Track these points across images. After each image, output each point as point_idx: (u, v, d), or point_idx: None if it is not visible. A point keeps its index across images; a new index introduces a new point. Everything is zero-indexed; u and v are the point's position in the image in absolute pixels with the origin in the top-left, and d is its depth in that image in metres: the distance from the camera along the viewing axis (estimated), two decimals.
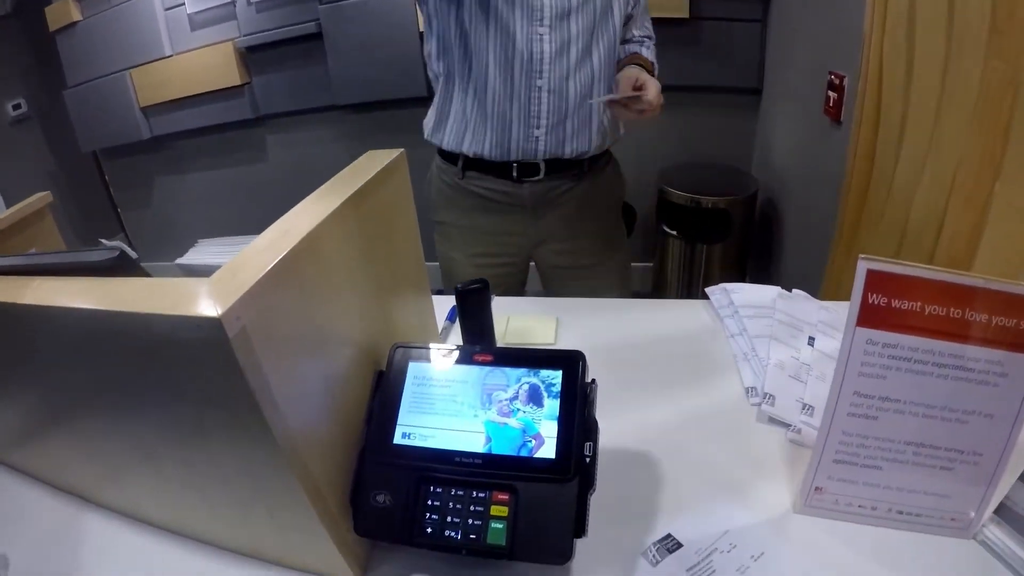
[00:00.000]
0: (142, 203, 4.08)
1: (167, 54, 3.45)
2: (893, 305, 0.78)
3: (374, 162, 0.98)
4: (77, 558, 0.99)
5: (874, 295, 0.78)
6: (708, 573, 0.87)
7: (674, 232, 3.11)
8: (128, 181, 4.05)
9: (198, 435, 0.78)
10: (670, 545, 0.91)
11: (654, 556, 0.89)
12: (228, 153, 3.76)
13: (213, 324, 0.61)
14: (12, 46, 3.65)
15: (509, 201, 1.73)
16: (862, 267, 0.77)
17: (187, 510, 0.95)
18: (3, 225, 1.12)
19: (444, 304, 1.39)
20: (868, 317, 0.79)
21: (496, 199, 1.73)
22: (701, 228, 3.02)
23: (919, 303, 0.77)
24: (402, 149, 1.02)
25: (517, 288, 1.90)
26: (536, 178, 1.68)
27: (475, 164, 1.70)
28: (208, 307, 0.61)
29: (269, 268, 0.68)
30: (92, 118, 3.71)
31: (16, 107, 3.67)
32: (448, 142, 1.69)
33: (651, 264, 3.52)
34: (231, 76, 3.40)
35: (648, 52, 1.74)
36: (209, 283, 0.65)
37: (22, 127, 3.75)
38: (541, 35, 1.51)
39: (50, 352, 0.82)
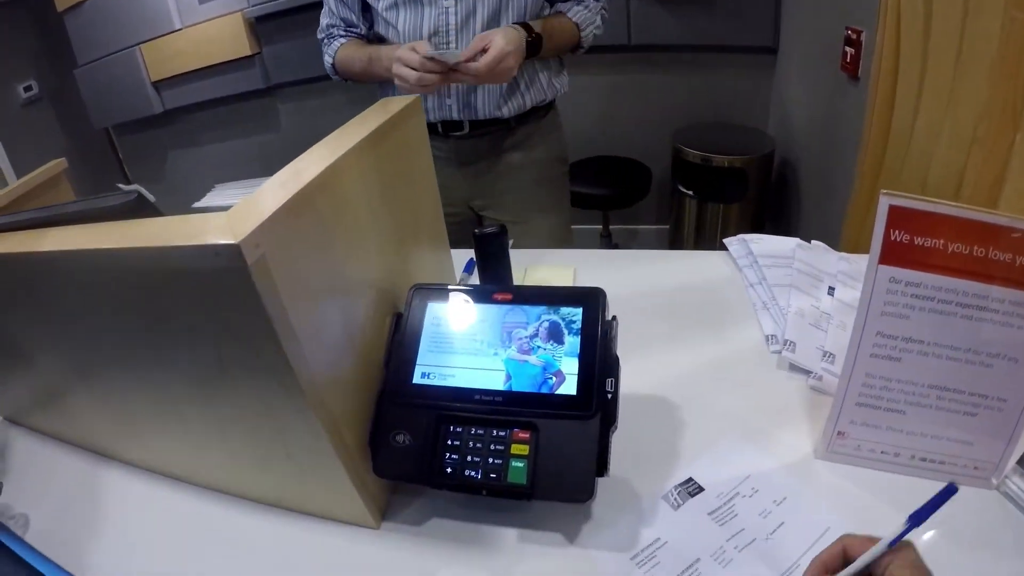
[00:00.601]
0: (156, 177, 4.07)
1: (176, 28, 3.42)
2: (916, 242, 0.76)
3: (390, 106, 0.97)
4: (97, 514, 1.00)
5: (896, 232, 0.77)
6: (730, 517, 0.86)
7: (690, 192, 3.08)
8: (142, 156, 4.06)
9: (218, 375, 0.78)
10: (691, 489, 0.90)
11: (675, 499, 0.89)
12: (240, 124, 3.75)
13: (232, 252, 0.60)
14: (21, 29, 3.63)
15: (440, 155, 1.75)
16: (884, 203, 0.76)
17: (207, 457, 0.96)
18: (19, 192, 1.12)
19: (460, 258, 1.39)
20: (891, 255, 0.78)
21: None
22: (717, 188, 2.99)
23: (942, 241, 0.76)
24: (417, 95, 1.02)
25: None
26: (461, 132, 1.72)
27: None
28: (227, 235, 0.61)
29: (288, 199, 0.68)
30: (104, 95, 3.70)
31: (27, 89, 3.66)
32: None
33: (667, 226, 3.51)
34: (241, 47, 3.38)
35: (579, 13, 1.69)
36: (227, 215, 0.65)
37: (34, 108, 3.74)
38: (447, 8, 1.56)
39: (70, 302, 0.83)
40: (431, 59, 1.40)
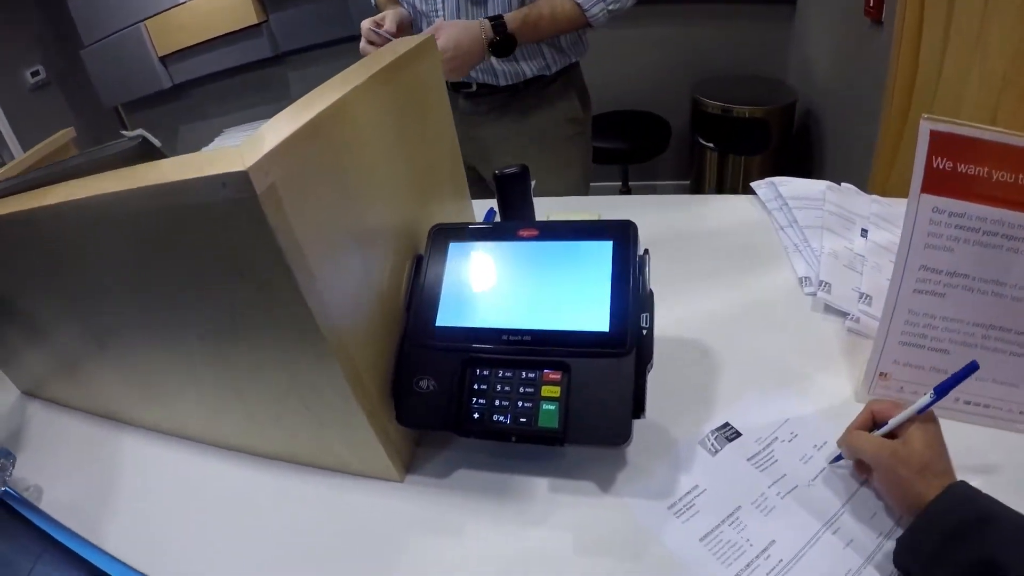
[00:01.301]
0: (168, 152, 3.99)
1: (180, 1, 3.38)
2: (959, 170, 0.72)
3: (403, 45, 0.93)
4: (116, 481, 0.99)
5: (939, 159, 0.73)
6: (770, 463, 0.83)
7: (711, 144, 3.03)
8: (153, 132, 3.91)
9: (231, 324, 0.75)
10: (729, 434, 0.87)
11: (712, 445, 0.86)
12: (251, 94, 3.69)
13: (240, 180, 0.57)
14: (24, 13, 3.59)
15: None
16: (925, 128, 0.72)
17: (223, 416, 0.93)
18: (29, 162, 1.11)
19: (479, 209, 1.35)
20: (933, 183, 0.74)
21: None
22: (738, 139, 2.94)
23: (986, 168, 0.72)
24: (431, 33, 0.98)
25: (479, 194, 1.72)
26: (469, 90, 1.71)
27: None
28: (235, 163, 0.57)
29: (298, 127, 0.64)
30: (111, 74, 3.65)
31: (34, 74, 3.62)
32: None
33: (687, 182, 3.48)
34: (247, 15, 3.32)
35: None
36: (236, 147, 0.61)
37: (42, 93, 3.70)
38: None
39: (80, 258, 0.80)
40: (377, 33, 1.45)
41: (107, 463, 1.03)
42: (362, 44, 1.48)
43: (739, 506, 0.78)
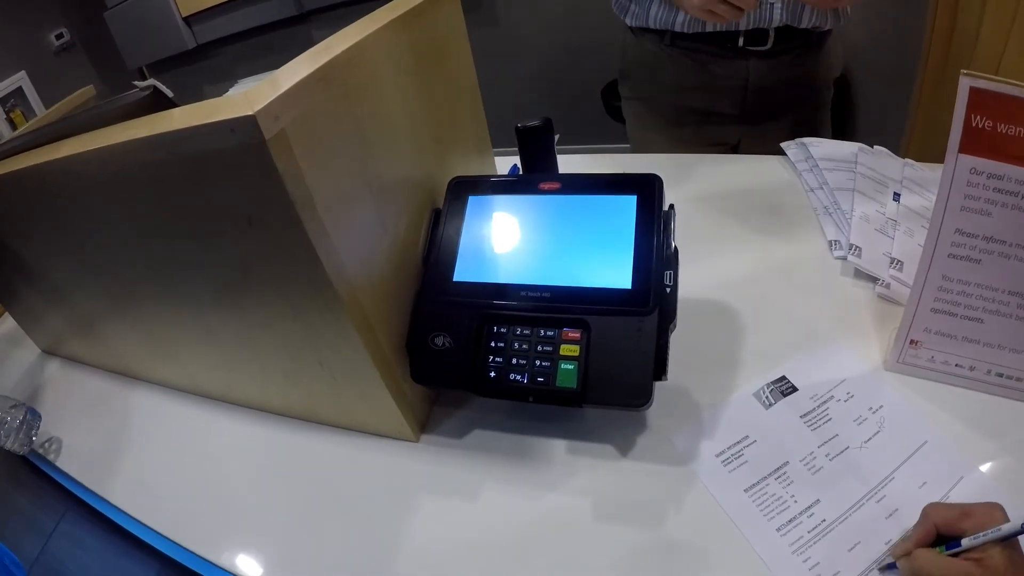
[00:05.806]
0: None
1: None
2: (999, 130, 0.68)
3: None
4: (134, 437, 1.01)
5: (978, 117, 0.69)
6: (824, 422, 0.81)
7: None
8: (177, 93, 3.93)
9: (244, 274, 0.74)
10: (784, 388, 0.85)
11: (767, 398, 0.84)
12: (275, 54, 3.56)
13: (248, 125, 0.55)
14: None
15: None
16: (964, 84, 0.68)
17: (239, 373, 0.93)
18: (47, 120, 1.10)
19: (502, 167, 1.32)
20: (971, 143, 0.70)
21: None
22: None
23: None
24: None
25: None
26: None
27: None
28: (243, 108, 0.55)
29: (310, 72, 0.62)
30: (135, 35, 3.65)
31: (59, 36, 3.63)
32: None
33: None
34: None
35: None
36: (244, 92, 0.59)
37: (67, 55, 3.71)
38: None
39: (92, 212, 0.79)
40: None
41: (122, 419, 1.04)
42: None
43: (787, 462, 0.77)
